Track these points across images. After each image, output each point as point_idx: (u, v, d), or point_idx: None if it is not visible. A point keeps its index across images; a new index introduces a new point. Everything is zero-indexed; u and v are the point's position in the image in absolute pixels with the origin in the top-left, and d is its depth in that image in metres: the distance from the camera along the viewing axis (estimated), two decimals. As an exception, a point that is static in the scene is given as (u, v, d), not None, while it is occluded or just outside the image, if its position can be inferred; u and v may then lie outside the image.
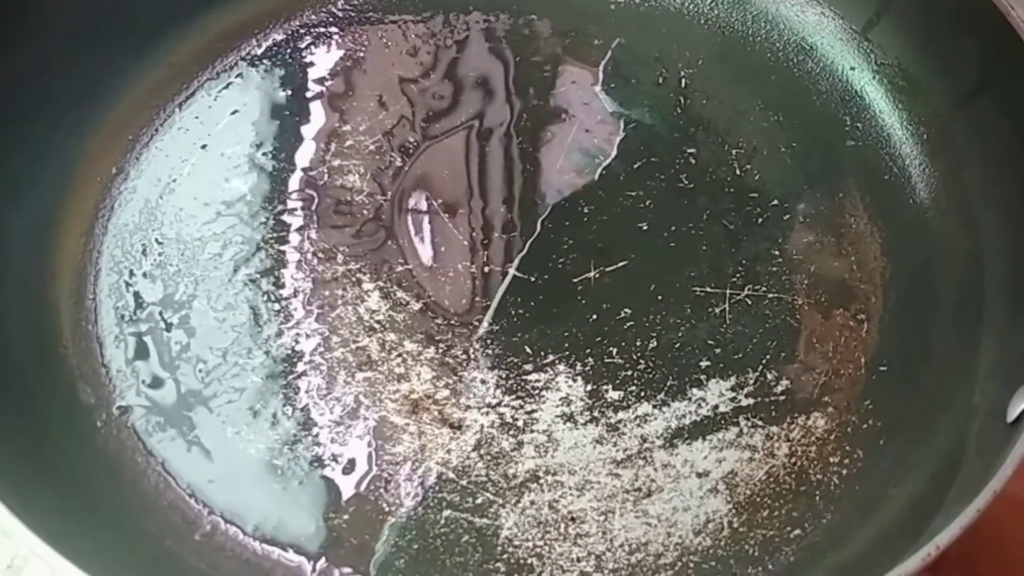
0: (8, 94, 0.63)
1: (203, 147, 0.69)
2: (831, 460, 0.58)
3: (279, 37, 0.73)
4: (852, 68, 0.72)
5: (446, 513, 0.56)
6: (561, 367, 0.61)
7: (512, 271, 0.64)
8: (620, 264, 0.65)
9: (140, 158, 0.68)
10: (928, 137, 0.68)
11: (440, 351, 0.61)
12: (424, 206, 0.67)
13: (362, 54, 0.73)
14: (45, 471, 0.55)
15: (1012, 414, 0.51)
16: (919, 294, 0.64)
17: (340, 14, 0.75)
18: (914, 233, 0.66)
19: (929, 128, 0.68)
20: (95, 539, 0.52)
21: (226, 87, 0.71)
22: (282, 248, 0.65)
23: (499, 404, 0.59)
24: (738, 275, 0.64)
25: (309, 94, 0.71)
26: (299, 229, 0.66)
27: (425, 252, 0.65)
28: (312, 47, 0.73)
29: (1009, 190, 0.62)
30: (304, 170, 0.68)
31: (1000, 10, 0.62)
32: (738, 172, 0.68)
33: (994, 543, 0.56)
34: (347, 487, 0.57)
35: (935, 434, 0.58)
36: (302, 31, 0.74)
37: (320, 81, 0.72)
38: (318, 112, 0.71)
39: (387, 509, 0.56)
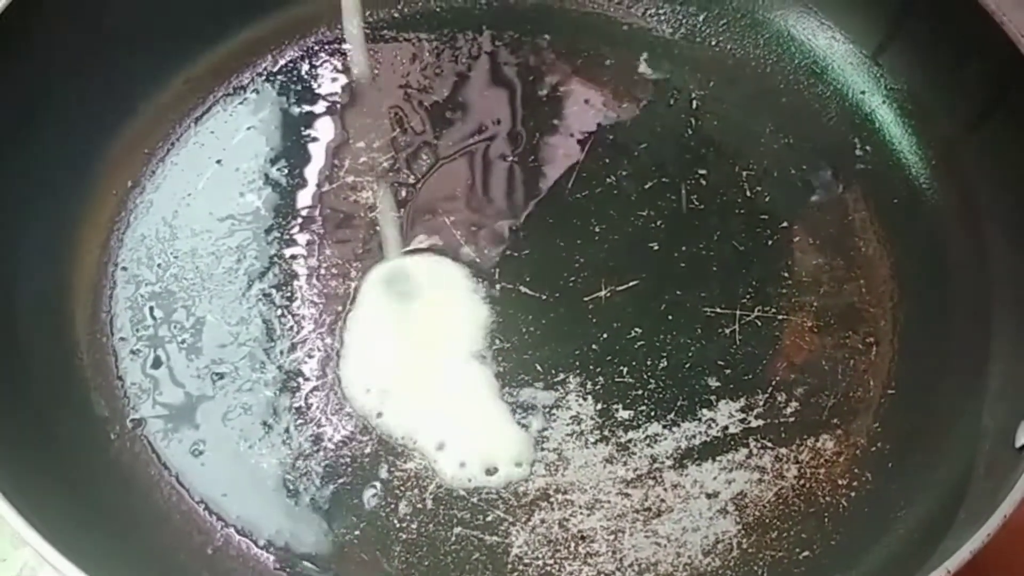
0: (26, 107, 0.64)
1: (218, 162, 0.70)
2: (840, 482, 0.58)
3: (295, 54, 0.74)
4: (862, 92, 0.72)
5: (456, 530, 0.56)
6: (572, 385, 0.61)
7: (523, 289, 0.64)
8: (631, 283, 0.65)
9: (156, 172, 0.69)
10: (937, 161, 0.69)
11: (452, 368, 0.62)
12: (435, 223, 0.67)
13: (376, 71, 0.74)
14: (59, 482, 0.55)
15: (1020, 439, 0.51)
16: (928, 318, 0.64)
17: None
18: (923, 257, 0.66)
19: (939, 152, 0.69)
20: (108, 549, 0.53)
21: (242, 103, 0.72)
22: (295, 263, 0.65)
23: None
24: (748, 296, 0.64)
25: (323, 111, 0.72)
26: (312, 244, 0.66)
27: (437, 269, 0.66)
28: (327, 64, 0.74)
29: (1018, 214, 0.62)
30: (317, 186, 0.69)
31: (1009, 35, 0.62)
32: (748, 194, 0.69)
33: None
34: (358, 503, 0.57)
35: (944, 457, 0.58)
36: (317, 48, 0.75)
37: (334, 98, 0.72)
38: (332, 128, 0.71)
39: (398, 525, 0.56)
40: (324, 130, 0.71)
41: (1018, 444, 0.51)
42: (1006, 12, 0.63)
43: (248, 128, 0.71)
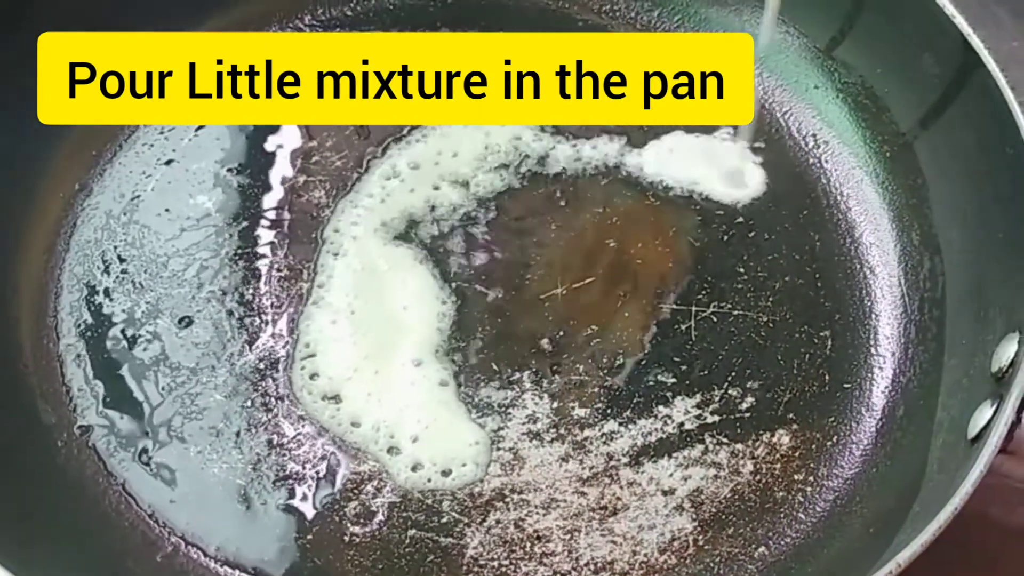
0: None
1: (168, 163, 0.68)
2: (795, 477, 0.58)
3: (245, 53, 0.73)
4: (816, 87, 0.72)
5: (411, 533, 0.56)
6: (527, 384, 0.60)
7: (479, 288, 0.64)
8: (587, 281, 0.65)
9: (104, 174, 0.68)
10: (891, 155, 0.69)
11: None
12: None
13: (329, 70, 0.73)
14: (4, 489, 0.54)
15: (973, 431, 0.51)
16: (883, 311, 0.64)
17: (307, 29, 0.75)
18: (879, 250, 0.66)
19: (892, 146, 0.68)
20: (55, 558, 0.52)
21: (191, 103, 0.70)
22: (247, 265, 0.64)
23: (465, 422, 0.59)
24: (704, 292, 0.64)
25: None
26: (265, 246, 0.65)
27: (391, 269, 0.65)
28: (279, 63, 0.73)
29: (970, 208, 0.62)
30: (270, 186, 0.68)
31: (960, 30, 0.62)
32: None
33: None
34: (310, 508, 0.56)
35: (899, 451, 0.58)
36: (268, 47, 0.74)
37: (287, 97, 0.72)
38: (285, 128, 0.70)
39: (351, 529, 0.56)
40: (277, 130, 0.70)
41: (971, 436, 0.51)
42: (957, 7, 0.63)
43: (199, 128, 0.70)
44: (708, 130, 0.71)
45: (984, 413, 0.51)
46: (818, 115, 0.72)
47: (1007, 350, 0.53)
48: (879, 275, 0.65)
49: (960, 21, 0.62)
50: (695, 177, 0.69)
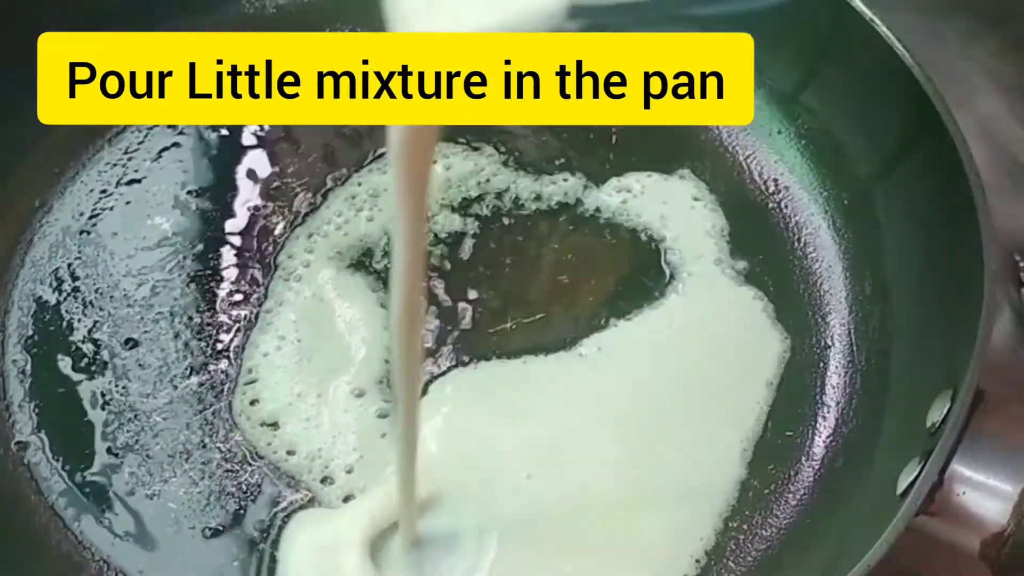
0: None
1: (129, 183, 0.69)
2: (730, 524, 0.58)
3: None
4: (779, 132, 0.72)
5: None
6: (469, 419, 0.60)
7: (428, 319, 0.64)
8: (537, 316, 0.65)
9: (64, 192, 0.68)
10: (849, 203, 0.68)
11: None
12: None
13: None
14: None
15: (901, 487, 0.51)
16: (832, 361, 0.64)
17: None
18: (832, 299, 0.66)
19: (851, 194, 0.68)
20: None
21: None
22: (199, 288, 0.65)
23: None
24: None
25: (243, 135, 0.72)
26: (219, 269, 0.66)
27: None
28: (245, 88, 0.73)
29: (920, 260, 0.62)
30: (230, 210, 0.68)
31: (919, 81, 0.62)
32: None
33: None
34: (241, 532, 0.56)
35: (834, 502, 0.58)
36: (238, 71, 0.74)
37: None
38: (249, 153, 0.71)
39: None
40: (240, 154, 0.71)
41: (899, 491, 0.51)
42: (918, 57, 0.63)
43: (162, 150, 0.70)
44: (667, 169, 0.71)
45: (912, 470, 0.51)
46: (780, 160, 0.72)
47: (941, 407, 0.52)
48: (830, 323, 0.65)
49: (918, 72, 0.62)
50: (652, 217, 0.69)
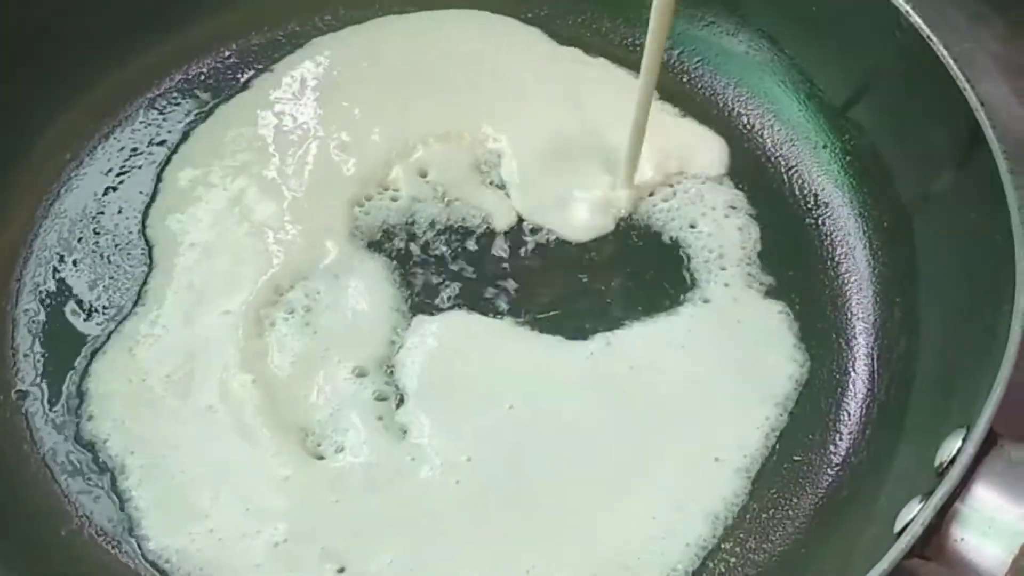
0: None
1: (160, 143, 0.69)
2: (723, 546, 0.56)
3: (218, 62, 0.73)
4: (825, 146, 0.70)
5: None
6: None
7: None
8: (550, 313, 0.63)
9: (96, 148, 0.69)
10: (889, 226, 0.66)
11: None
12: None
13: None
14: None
15: (899, 525, 0.48)
16: (850, 387, 0.61)
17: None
18: (859, 323, 0.64)
19: (891, 216, 0.66)
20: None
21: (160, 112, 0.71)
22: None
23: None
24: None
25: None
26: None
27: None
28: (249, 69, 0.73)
29: (954, 292, 0.59)
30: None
31: (970, 104, 0.59)
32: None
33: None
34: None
35: (832, 534, 0.56)
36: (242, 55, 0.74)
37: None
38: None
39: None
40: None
41: (896, 529, 0.48)
42: (977, 82, 0.61)
43: (198, 113, 0.71)
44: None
45: (912, 509, 0.48)
46: (822, 175, 0.70)
47: (951, 446, 0.50)
48: (854, 348, 0.63)
49: (970, 95, 0.59)
50: (683, 222, 0.67)
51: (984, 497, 0.47)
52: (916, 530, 0.46)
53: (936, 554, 0.47)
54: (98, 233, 0.65)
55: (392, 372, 0.60)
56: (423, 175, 0.68)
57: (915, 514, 0.47)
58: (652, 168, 0.68)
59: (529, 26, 0.75)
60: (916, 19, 0.62)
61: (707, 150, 0.70)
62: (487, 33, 0.75)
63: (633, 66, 0.72)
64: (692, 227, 0.67)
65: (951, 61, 0.60)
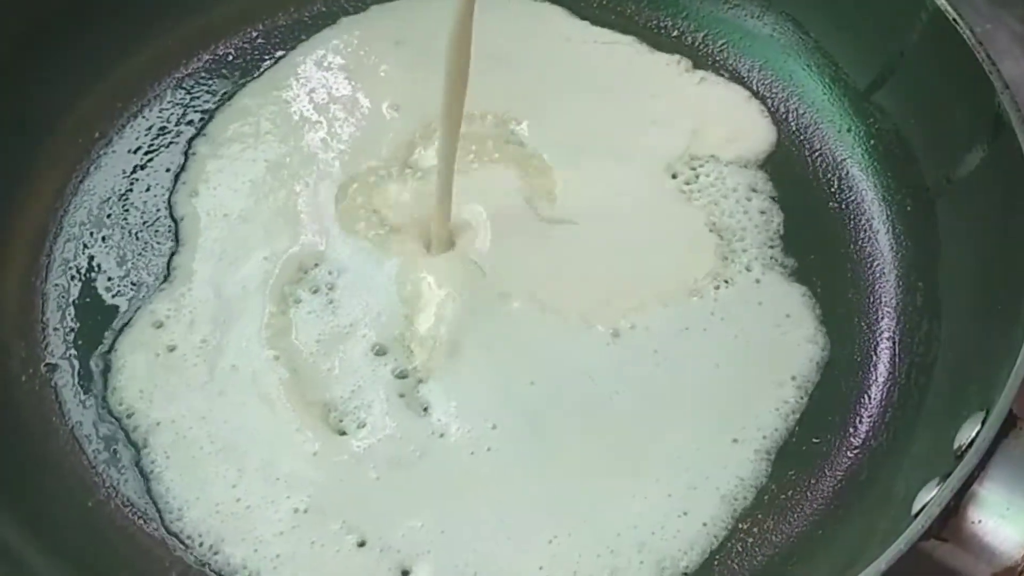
0: None
1: (188, 123, 0.70)
2: (740, 526, 0.56)
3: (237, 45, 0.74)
4: (849, 130, 0.70)
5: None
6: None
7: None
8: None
9: (125, 126, 0.70)
10: (912, 209, 0.66)
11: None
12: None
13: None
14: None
15: (916, 508, 0.49)
16: (871, 371, 0.61)
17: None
18: (880, 307, 0.64)
19: (914, 201, 0.66)
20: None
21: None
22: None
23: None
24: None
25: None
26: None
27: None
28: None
29: (977, 276, 0.59)
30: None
31: (996, 88, 0.59)
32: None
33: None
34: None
35: (850, 515, 0.56)
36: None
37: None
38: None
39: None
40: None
41: (914, 511, 0.49)
42: (997, 62, 0.60)
43: (224, 93, 0.71)
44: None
45: (930, 491, 0.48)
46: (847, 158, 0.69)
47: (970, 429, 0.50)
48: (876, 332, 0.63)
49: (996, 78, 0.59)
50: (706, 203, 0.67)
51: (1002, 480, 0.48)
52: (933, 511, 0.46)
53: (953, 536, 0.47)
54: (126, 210, 0.66)
55: (413, 351, 0.60)
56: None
57: (932, 496, 0.47)
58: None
59: (555, 6, 0.75)
60: (942, 1, 0.62)
61: (756, 131, 0.71)
62: (514, 15, 0.75)
63: (661, 48, 0.72)
64: (716, 206, 0.67)
65: (977, 44, 0.60)
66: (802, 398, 0.60)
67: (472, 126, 0.68)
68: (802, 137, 0.71)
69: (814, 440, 0.59)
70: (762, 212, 0.67)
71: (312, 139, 0.69)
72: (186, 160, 0.68)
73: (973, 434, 0.49)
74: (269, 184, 0.67)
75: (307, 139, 0.69)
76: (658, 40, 0.74)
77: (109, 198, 0.66)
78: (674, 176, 0.69)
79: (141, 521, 0.55)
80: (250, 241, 0.64)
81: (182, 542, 0.54)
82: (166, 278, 0.63)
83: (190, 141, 0.69)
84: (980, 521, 0.47)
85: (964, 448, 0.49)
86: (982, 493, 0.48)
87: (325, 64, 0.73)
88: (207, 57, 0.73)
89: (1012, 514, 0.47)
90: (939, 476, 0.49)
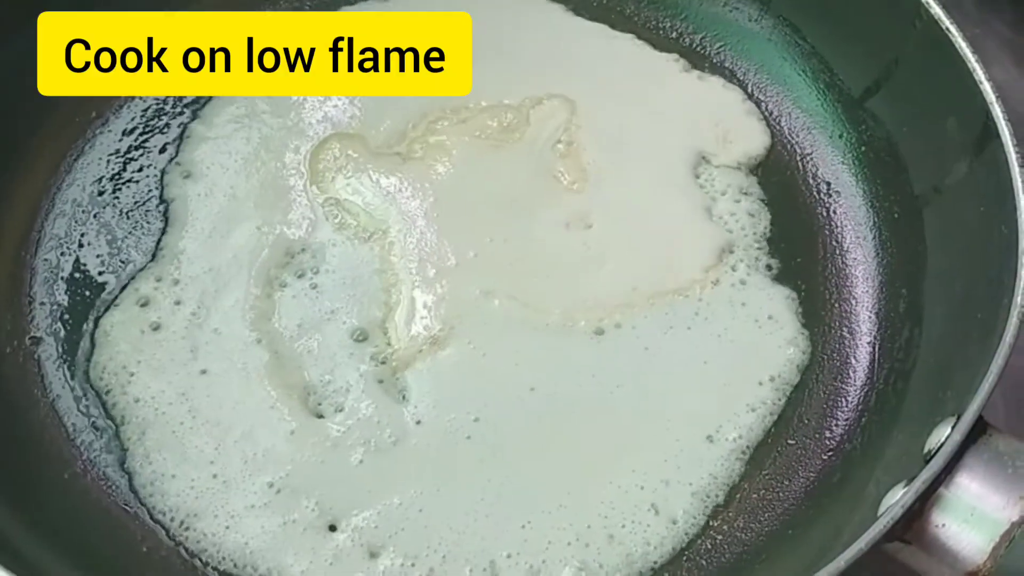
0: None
1: (189, 104, 0.70)
2: (711, 524, 0.56)
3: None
4: (841, 135, 0.70)
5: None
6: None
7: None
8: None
9: (122, 107, 0.70)
10: (900, 216, 0.66)
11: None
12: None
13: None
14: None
15: (882, 508, 0.49)
16: (849, 375, 0.61)
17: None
18: (863, 312, 0.64)
19: (902, 208, 0.66)
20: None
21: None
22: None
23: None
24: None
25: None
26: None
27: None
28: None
29: (959, 284, 0.59)
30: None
31: (985, 99, 0.59)
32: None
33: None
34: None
35: (820, 516, 0.56)
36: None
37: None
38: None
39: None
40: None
41: (879, 512, 0.49)
42: (988, 71, 0.60)
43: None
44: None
45: (896, 493, 0.49)
46: (837, 163, 0.70)
47: (940, 434, 0.50)
48: (856, 336, 0.63)
49: (986, 88, 0.59)
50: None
51: (968, 485, 0.48)
52: (896, 513, 0.46)
53: (916, 539, 0.47)
54: (119, 189, 0.66)
55: (392, 339, 0.60)
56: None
57: (897, 498, 0.48)
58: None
59: (554, 3, 0.76)
60: (936, 10, 0.62)
61: (749, 133, 0.71)
62: (516, 10, 0.76)
63: (659, 47, 0.73)
64: (704, 210, 0.67)
65: (970, 54, 0.60)
66: (780, 399, 0.60)
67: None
68: (794, 141, 0.71)
69: (789, 441, 0.59)
70: (751, 214, 0.67)
71: (311, 124, 0.69)
72: (180, 142, 0.68)
73: (943, 438, 0.49)
74: (263, 168, 0.67)
75: (305, 124, 0.69)
76: (657, 40, 0.74)
77: (102, 177, 0.67)
78: (666, 175, 0.69)
79: (116, 494, 0.55)
80: (240, 225, 0.65)
81: (153, 517, 0.55)
82: (154, 257, 0.63)
83: (185, 124, 0.69)
84: (944, 525, 0.47)
85: (933, 452, 0.49)
86: (948, 497, 0.48)
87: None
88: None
89: (976, 519, 0.47)
90: (907, 479, 0.49)
